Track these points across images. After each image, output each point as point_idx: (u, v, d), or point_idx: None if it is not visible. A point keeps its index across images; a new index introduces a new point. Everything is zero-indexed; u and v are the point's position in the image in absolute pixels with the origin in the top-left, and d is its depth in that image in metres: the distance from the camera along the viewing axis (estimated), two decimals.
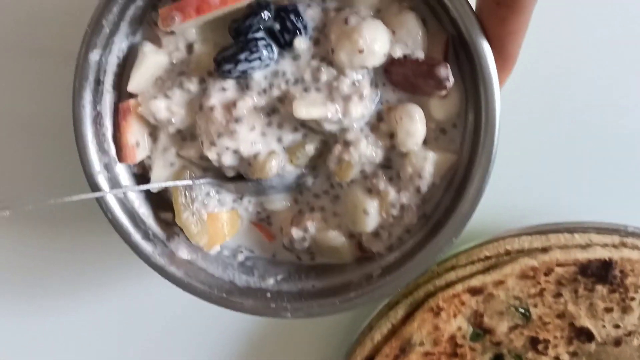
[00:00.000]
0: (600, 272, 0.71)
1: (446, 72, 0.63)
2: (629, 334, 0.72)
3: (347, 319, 0.81)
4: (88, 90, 0.65)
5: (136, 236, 0.68)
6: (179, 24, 0.62)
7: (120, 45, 0.67)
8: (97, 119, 0.67)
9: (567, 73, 0.77)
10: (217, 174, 0.70)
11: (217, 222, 0.71)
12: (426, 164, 0.66)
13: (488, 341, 0.73)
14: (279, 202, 0.72)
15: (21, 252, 0.81)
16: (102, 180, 0.67)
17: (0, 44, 0.77)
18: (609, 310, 0.71)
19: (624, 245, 0.72)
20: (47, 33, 0.77)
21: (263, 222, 0.74)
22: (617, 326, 0.72)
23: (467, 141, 0.67)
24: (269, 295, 0.70)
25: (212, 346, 0.82)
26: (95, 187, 0.66)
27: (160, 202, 0.72)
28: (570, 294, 0.72)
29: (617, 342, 0.72)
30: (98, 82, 0.66)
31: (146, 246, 0.68)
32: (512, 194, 0.77)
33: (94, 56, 0.64)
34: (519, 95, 0.73)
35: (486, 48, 0.61)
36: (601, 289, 0.71)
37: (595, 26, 0.76)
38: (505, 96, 0.63)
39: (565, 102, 0.77)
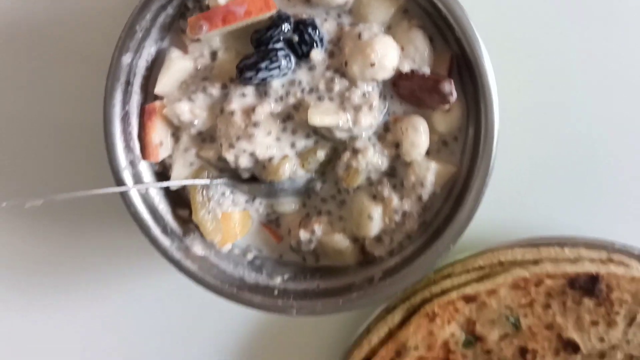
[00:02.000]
0: (588, 286, 0.71)
1: (450, 88, 0.65)
2: (613, 347, 0.72)
3: (347, 321, 0.80)
4: (119, 91, 0.66)
5: (155, 230, 0.69)
6: (206, 32, 0.64)
7: (149, 50, 0.68)
8: (125, 118, 0.68)
9: (563, 96, 0.77)
10: (233, 175, 0.71)
11: (230, 221, 0.72)
12: (428, 174, 0.68)
13: (479, 349, 0.73)
14: (288, 205, 0.73)
15: (49, 240, 0.81)
16: (127, 175, 0.68)
17: (35, 48, 0.78)
18: (594, 323, 0.72)
19: (610, 261, 0.73)
20: (78, 38, 0.78)
21: (272, 223, 0.75)
22: (602, 339, 0.72)
23: (467, 154, 0.68)
24: (276, 292, 0.71)
25: (219, 339, 0.82)
26: (120, 182, 0.67)
27: (178, 199, 0.73)
28: (558, 305, 0.72)
29: (602, 355, 0.72)
30: (128, 84, 0.67)
31: (164, 240, 0.69)
32: (507, 208, 0.77)
33: (126, 59, 0.66)
34: (517, 115, 0.74)
35: (488, 67, 0.63)
36: (588, 302, 0.71)
37: (591, 47, 0.77)
38: (504, 115, 0.65)
39: (560, 124, 0.77)
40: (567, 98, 0.77)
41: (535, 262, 0.73)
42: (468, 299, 0.72)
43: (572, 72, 0.77)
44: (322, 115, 0.65)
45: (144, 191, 0.69)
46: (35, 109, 0.80)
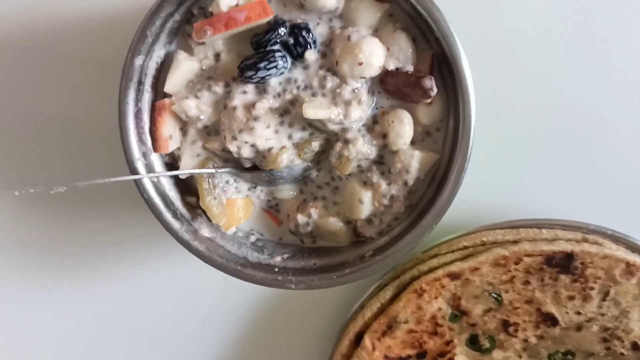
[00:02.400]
0: (564, 263, 0.73)
1: (430, 83, 0.67)
2: (589, 320, 0.74)
3: (342, 298, 0.82)
4: (132, 90, 0.68)
5: (167, 215, 0.71)
6: (210, 36, 0.66)
7: (159, 52, 0.70)
8: (138, 114, 0.69)
9: (536, 84, 0.78)
10: (236, 165, 0.73)
11: (234, 207, 0.74)
12: (413, 161, 0.69)
13: (465, 322, 0.75)
14: (287, 192, 0.75)
15: (70, 223, 0.83)
16: (140, 166, 0.70)
17: (58, 51, 0.80)
18: (571, 298, 0.74)
19: (585, 241, 0.74)
20: (95, 42, 0.80)
21: (272, 209, 0.77)
22: (578, 313, 0.74)
23: (448, 143, 0.70)
24: (276, 270, 0.72)
25: (225, 313, 0.84)
26: (135, 171, 0.69)
27: (186, 187, 0.75)
28: (537, 282, 0.73)
29: (579, 328, 0.75)
30: (140, 83, 0.69)
31: (175, 224, 0.71)
32: (488, 193, 0.79)
33: (138, 61, 0.68)
34: (494, 106, 0.77)
35: (464, 63, 0.65)
36: (564, 278, 0.73)
37: (558, 37, 0.78)
38: (483, 106, 0.66)
39: (535, 112, 0.78)
40: (540, 86, 0.78)
41: (515, 242, 0.75)
42: (453, 276, 0.74)
43: (543, 59, 0.78)
44: (315, 109, 0.66)
45: (156, 180, 0.71)
46: (58, 106, 0.81)
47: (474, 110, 0.66)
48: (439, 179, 0.70)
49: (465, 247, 0.76)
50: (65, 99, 0.81)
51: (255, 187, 0.75)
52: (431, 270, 0.76)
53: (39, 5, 0.78)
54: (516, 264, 0.73)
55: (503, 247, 0.74)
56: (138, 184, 0.69)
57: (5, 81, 0.81)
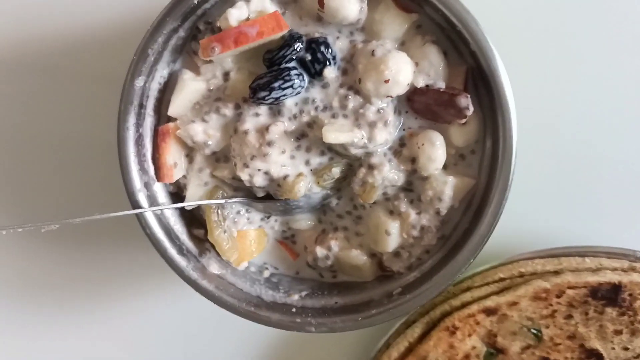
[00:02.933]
0: (610, 295, 0.71)
1: (467, 102, 0.64)
2: (637, 356, 0.72)
3: (366, 336, 0.80)
4: (132, 114, 0.66)
5: (172, 251, 0.69)
6: (218, 54, 0.64)
7: (161, 72, 0.68)
8: (139, 140, 0.68)
9: (580, 105, 0.77)
10: (248, 194, 0.71)
11: (246, 239, 0.72)
12: (446, 188, 0.68)
13: None
14: (303, 222, 0.73)
15: (65, 262, 0.82)
16: (142, 197, 0.68)
17: (49, 72, 0.79)
18: (618, 332, 0.72)
19: (633, 269, 0.73)
20: (91, 62, 0.78)
21: (288, 240, 0.75)
22: (626, 348, 0.72)
23: (485, 166, 0.68)
24: (294, 310, 0.71)
25: (237, 357, 0.82)
26: (136, 204, 0.67)
27: (193, 218, 0.73)
28: (581, 315, 0.72)
29: None
30: (141, 106, 0.67)
31: (180, 261, 0.69)
32: (525, 219, 0.77)
33: (139, 82, 0.66)
34: (534, 125, 0.73)
35: (504, 80, 0.63)
36: (611, 311, 0.71)
37: (610, 58, 0.77)
38: (521, 125, 0.64)
39: (577, 131, 0.77)
40: (584, 107, 0.78)
41: (556, 272, 0.73)
42: (489, 312, 0.72)
43: (590, 81, 0.77)
44: (337, 133, 0.64)
45: (160, 212, 0.69)
46: (50, 133, 0.80)
47: (515, 131, 0.64)
48: (475, 207, 0.68)
49: (502, 279, 0.74)
50: (60, 125, 0.80)
51: (268, 217, 0.74)
52: (464, 305, 0.74)
53: (28, 24, 0.78)
54: (558, 297, 0.72)
55: (543, 278, 0.73)
56: (140, 218, 0.68)
57: None
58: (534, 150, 0.76)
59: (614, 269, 0.73)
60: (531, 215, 0.78)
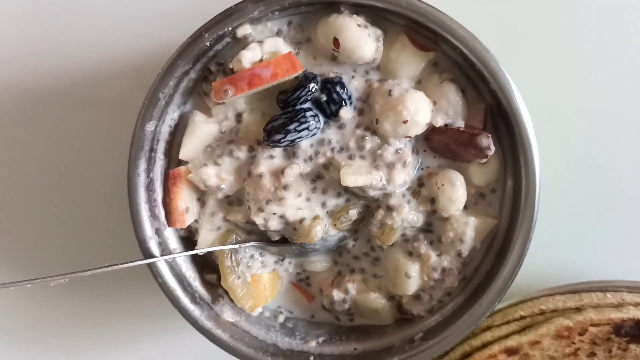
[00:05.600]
0: (634, 332, 0.70)
1: (488, 142, 0.64)
2: None
3: None
4: (143, 159, 0.66)
5: (185, 300, 0.68)
6: (231, 97, 0.63)
7: (172, 114, 0.67)
8: (150, 186, 0.67)
9: (598, 141, 0.77)
10: (262, 237, 0.70)
11: (260, 283, 0.71)
12: (468, 229, 0.67)
13: None
14: (318, 263, 0.72)
15: (76, 314, 0.81)
16: (153, 245, 0.67)
17: (57, 118, 0.79)
18: None
19: None
20: (100, 105, 0.78)
21: (302, 282, 0.74)
22: None
23: (506, 205, 0.67)
24: (312, 358, 0.69)
25: None
26: (147, 252, 0.66)
27: (205, 263, 0.72)
28: (604, 353, 0.71)
29: None
30: (151, 150, 0.66)
31: (194, 310, 0.68)
32: (545, 254, 0.76)
33: (149, 127, 0.65)
34: (552, 162, 0.72)
35: (526, 118, 0.62)
36: (635, 348, 0.71)
37: (630, 90, 0.77)
38: (541, 161, 0.64)
39: (596, 167, 0.78)
40: (601, 143, 0.78)
41: (578, 309, 0.73)
42: (510, 352, 0.71)
43: (609, 114, 0.77)
44: (355, 176, 0.63)
45: (171, 259, 0.68)
46: (58, 181, 0.80)
47: (538, 170, 0.63)
48: (497, 248, 0.68)
49: (523, 317, 0.74)
50: (69, 172, 0.80)
51: (282, 260, 0.72)
52: (485, 345, 0.73)
53: (31, 69, 0.78)
54: (581, 335, 0.71)
55: (565, 316, 0.72)
56: (151, 266, 0.67)
57: None
58: (553, 186, 0.74)
59: (637, 304, 0.72)
60: (550, 250, 0.77)
